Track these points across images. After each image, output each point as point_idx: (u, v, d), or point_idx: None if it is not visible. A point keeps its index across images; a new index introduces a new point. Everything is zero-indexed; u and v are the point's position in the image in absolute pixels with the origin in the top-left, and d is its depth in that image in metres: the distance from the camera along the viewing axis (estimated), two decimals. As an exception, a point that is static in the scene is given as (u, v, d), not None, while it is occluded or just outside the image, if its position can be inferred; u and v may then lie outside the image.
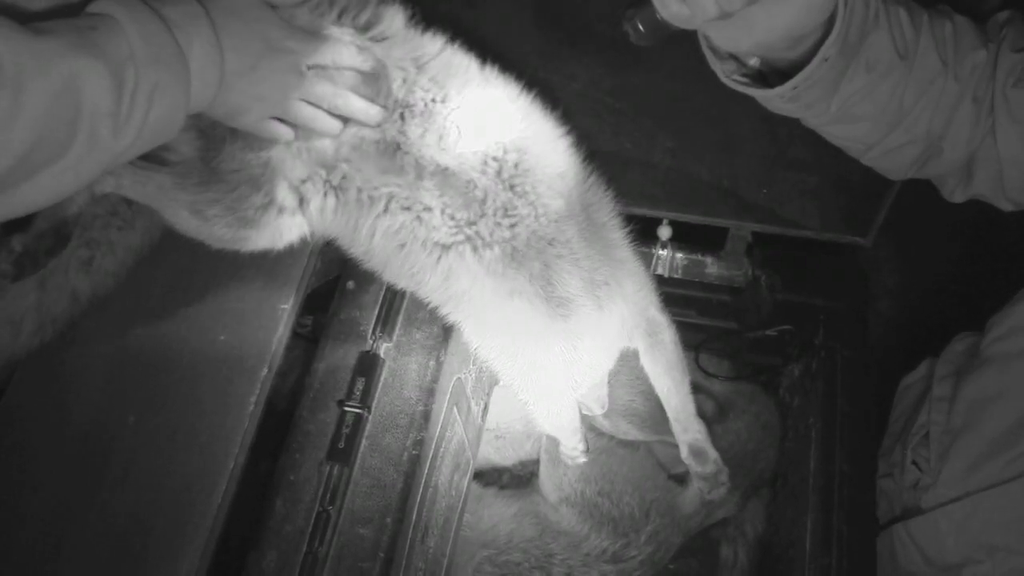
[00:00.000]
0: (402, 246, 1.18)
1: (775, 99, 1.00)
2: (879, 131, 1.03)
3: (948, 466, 1.24)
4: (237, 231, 1.15)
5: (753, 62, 1.02)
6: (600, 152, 1.35)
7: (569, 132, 1.27)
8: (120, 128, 0.84)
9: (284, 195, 1.15)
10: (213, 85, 0.93)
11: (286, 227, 1.18)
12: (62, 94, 0.78)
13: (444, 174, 1.15)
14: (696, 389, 1.74)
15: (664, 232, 1.65)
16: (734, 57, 1.02)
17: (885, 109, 1.01)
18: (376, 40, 1.12)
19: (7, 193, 0.80)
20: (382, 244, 1.18)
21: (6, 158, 0.76)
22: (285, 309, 1.26)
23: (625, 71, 1.35)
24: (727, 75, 1.02)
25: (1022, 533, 1.14)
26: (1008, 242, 1.18)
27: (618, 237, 1.33)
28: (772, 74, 1.02)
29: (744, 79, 1.01)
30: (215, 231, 1.14)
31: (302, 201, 1.16)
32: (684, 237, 1.68)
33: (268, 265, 1.25)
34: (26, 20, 0.80)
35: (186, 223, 1.14)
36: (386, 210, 1.16)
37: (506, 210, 1.18)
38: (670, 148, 1.46)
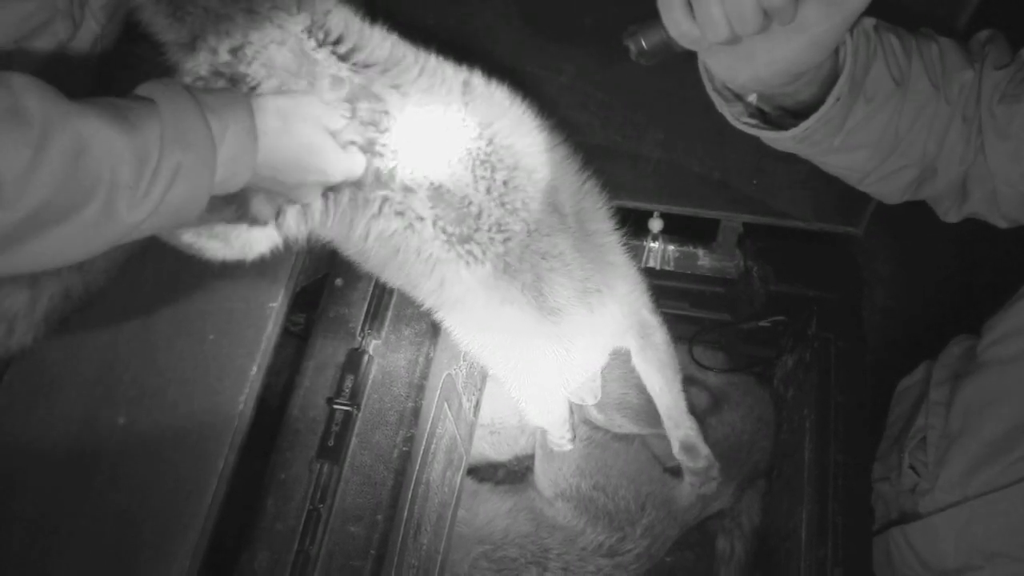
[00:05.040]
0: (397, 251, 1.17)
1: (786, 140, 0.99)
2: (877, 158, 1.03)
3: (946, 471, 1.23)
4: (207, 242, 1.12)
5: (751, 99, 1.01)
6: (590, 145, 1.35)
7: (557, 126, 1.26)
8: (137, 203, 0.84)
9: (259, 207, 1.10)
10: (243, 172, 0.93)
11: (256, 240, 1.13)
12: (79, 158, 0.80)
13: (438, 190, 1.14)
14: (691, 382, 1.75)
15: (655, 225, 1.65)
16: (739, 98, 1.01)
17: (882, 136, 1.00)
18: (358, 67, 1.11)
19: (14, 248, 0.81)
20: (377, 247, 1.16)
21: (19, 211, 0.78)
22: (274, 308, 1.26)
23: (613, 63, 1.35)
24: (736, 117, 1.01)
25: (1021, 539, 1.13)
26: (1005, 239, 1.18)
27: (611, 241, 1.32)
28: (774, 111, 1.01)
29: (753, 121, 1.00)
30: (183, 239, 1.09)
31: (279, 213, 1.12)
32: (675, 229, 1.68)
33: (257, 264, 1.24)
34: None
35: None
36: (380, 212, 1.14)
37: (500, 226, 1.17)
38: (660, 140, 1.46)
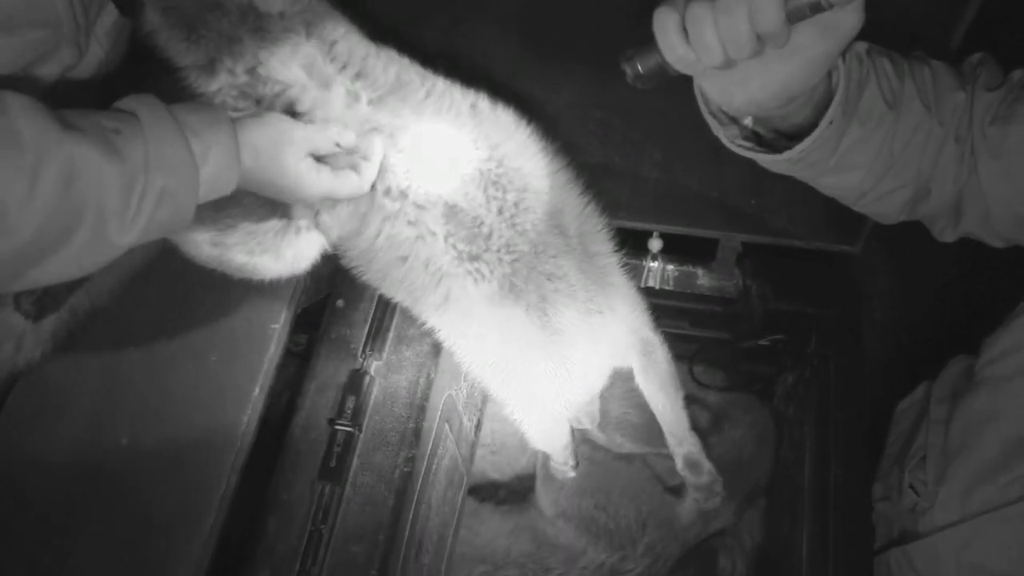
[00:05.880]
0: (404, 259, 1.18)
1: (781, 163, 1.00)
2: (871, 179, 1.04)
3: (945, 489, 1.23)
4: (259, 258, 1.13)
5: (747, 122, 1.02)
6: (588, 165, 1.35)
7: (556, 145, 1.27)
8: (125, 227, 0.86)
9: (300, 212, 1.14)
10: (226, 187, 0.96)
11: (305, 245, 1.16)
12: (70, 185, 0.81)
13: (452, 209, 1.16)
14: (691, 400, 1.75)
15: (655, 244, 1.66)
16: (735, 121, 1.02)
17: (876, 157, 1.01)
18: (366, 88, 1.13)
19: (16, 272, 0.83)
20: (385, 250, 1.18)
21: (21, 237, 0.80)
22: (276, 329, 1.26)
23: (611, 83, 1.35)
24: (731, 140, 1.02)
25: (1021, 559, 1.13)
26: (1004, 257, 1.18)
27: (611, 263, 1.33)
28: (768, 133, 1.02)
29: (749, 144, 1.01)
30: (236, 259, 1.12)
31: (316, 213, 1.15)
32: (675, 249, 1.68)
33: (258, 285, 1.25)
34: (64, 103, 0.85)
35: (206, 254, 1.12)
36: (394, 217, 1.16)
37: (508, 247, 1.19)
38: (659, 160, 1.46)
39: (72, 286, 1.20)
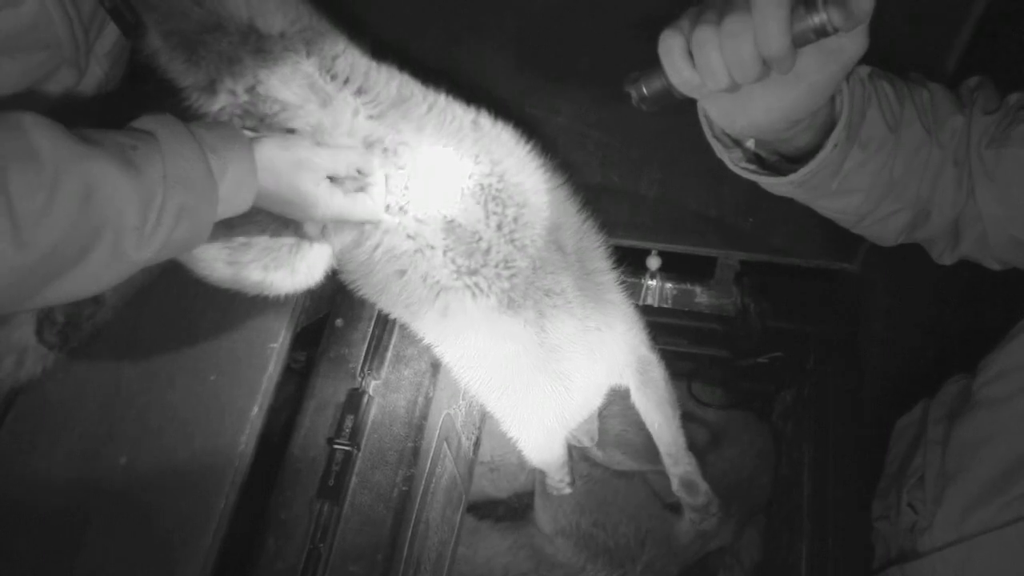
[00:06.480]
0: (402, 273, 1.19)
1: (784, 185, 1.01)
2: (871, 202, 1.04)
3: (942, 510, 1.23)
4: (274, 274, 1.13)
5: (749, 144, 1.02)
6: (587, 184, 1.36)
7: (555, 166, 1.28)
8: (144, 243, 0.87)
9: (310, 226, 1.14)
10: (243, 205, 0.97)
11: (317, 258, 1.16)
12: (88, 200, 0.82)
13: (451, 224, 1.16)
14: (690, 418, 1.76)
15: (653, 263, 1.66)
16: (738, 144, 1.03)
17: (876, 181, 1.02)
18: (367, 104, 1.14)
19: (33, 287, 0.83)
20: (384, 262, 1.18)
21: (36, 251, 0.80)
22: (275, 348, 1.27)
23: (610, 103, 1.37)
24: (735, 163, 1.02)
25: None
26: (1003, 276, 1.19)
27: (609, 280, 1.34)
28: (770, 156, 1.03)
29: (752, 167, 1.02)
30: (252, 277, 1.12)
31: (324, 228, 1.16)
32: (673, 267, 1.69)
33: (258, 304, 1.26)
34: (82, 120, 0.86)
35: (220, 273, 1.12)
36: (394, 230, 1.17)
37: (507, 262, 1.19)
38: (657, 179, 1.47)
39: (92, 314, 1.21)
